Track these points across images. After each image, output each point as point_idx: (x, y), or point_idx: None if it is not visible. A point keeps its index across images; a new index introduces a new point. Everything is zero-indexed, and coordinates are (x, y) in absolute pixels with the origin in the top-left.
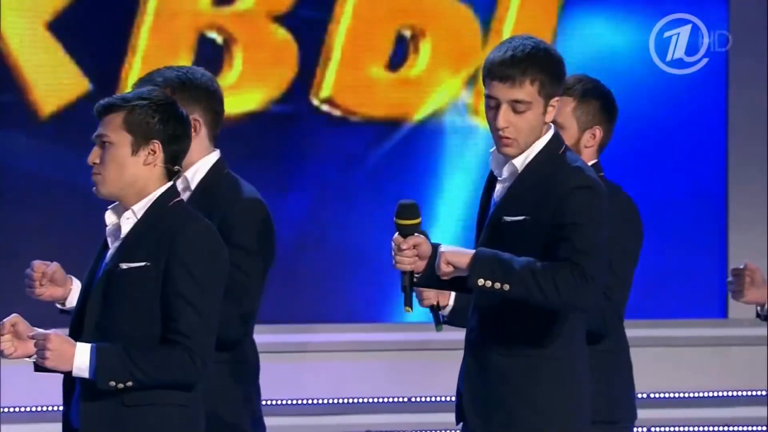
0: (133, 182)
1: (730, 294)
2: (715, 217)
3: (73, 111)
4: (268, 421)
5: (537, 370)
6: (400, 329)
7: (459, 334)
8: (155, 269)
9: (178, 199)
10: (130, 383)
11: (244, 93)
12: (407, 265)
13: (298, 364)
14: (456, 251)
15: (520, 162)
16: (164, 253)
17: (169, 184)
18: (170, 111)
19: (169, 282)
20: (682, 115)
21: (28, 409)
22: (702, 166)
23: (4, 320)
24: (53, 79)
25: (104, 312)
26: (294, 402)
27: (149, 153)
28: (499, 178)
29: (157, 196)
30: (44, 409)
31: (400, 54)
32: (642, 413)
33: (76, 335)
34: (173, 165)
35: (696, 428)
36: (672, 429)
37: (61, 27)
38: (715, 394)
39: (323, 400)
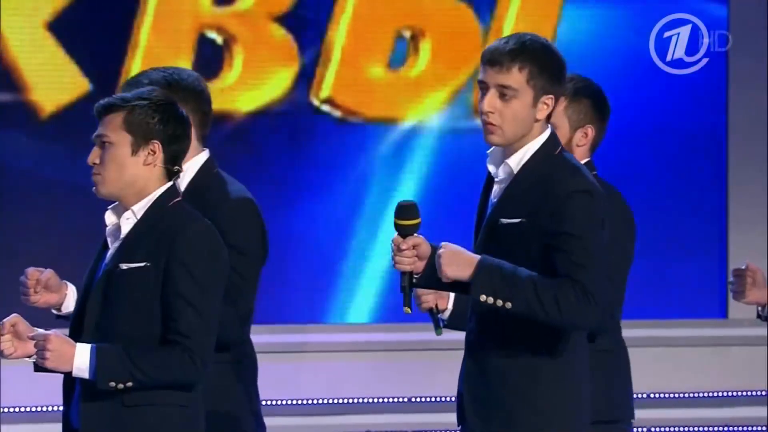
0: (133, 182)
1: (731, 294)
2: (715, 218)
3: (73, 111)
4: (268, 421)
5: (537, 371)
6: (400, 329)
7: (459, 335)
8: (155, 269)
9: (178, 199)
10: (130, 383)
11: (244, 93)
12: (406, 266)
13: (297, 365)
14: (456, 255)
15: (515, 162)
16: (164, 253)
17: (169, 184)
18: (170, 111)
19: (169, 282)
20: (682, 115)
21: (28, 409)
22: (702, 166)
23: (4, 320)
24: (53, 79)
25: (104, 312)
26: (293, 402)
27: (149, 153)
28: (495, 179)
29: (157, 196)
30: (44, 409)
31: (399, 54)
32: (642, 413)
33: (76, 335)
34: (173, 165)
35: (696, 428)
36: (672, 429)
37: (61, 27)
38: (715, 394)
39: (323, 400)
